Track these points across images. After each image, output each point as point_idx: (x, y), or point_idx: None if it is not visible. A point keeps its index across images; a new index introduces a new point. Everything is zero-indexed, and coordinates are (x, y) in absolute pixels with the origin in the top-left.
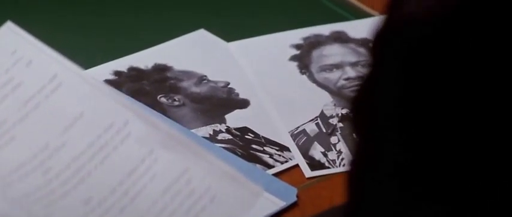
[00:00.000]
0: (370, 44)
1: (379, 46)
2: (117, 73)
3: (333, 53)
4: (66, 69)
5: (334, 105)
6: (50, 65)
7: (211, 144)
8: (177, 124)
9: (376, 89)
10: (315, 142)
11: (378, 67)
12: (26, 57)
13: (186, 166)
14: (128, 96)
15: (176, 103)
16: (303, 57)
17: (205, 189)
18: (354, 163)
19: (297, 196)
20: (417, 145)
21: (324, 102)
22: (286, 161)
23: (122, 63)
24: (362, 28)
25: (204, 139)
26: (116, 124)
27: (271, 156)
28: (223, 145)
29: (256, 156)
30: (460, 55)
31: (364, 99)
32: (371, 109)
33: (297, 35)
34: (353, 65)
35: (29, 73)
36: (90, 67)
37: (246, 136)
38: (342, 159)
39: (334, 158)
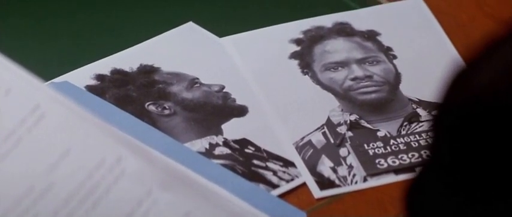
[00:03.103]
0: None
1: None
2: (100, 77)
3: (337, 48)
4: (50, 98)
5: (342, 110)
6: (31, 93)
7: (209, 161)
8: (170, 139)
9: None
10: (323, 155)
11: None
12: (3, 84)
13: (188, 209)
14: (117, 109)
15: (166, 111)
16: (305, 54)
17: None
18: None
19: None
20: None
21: (330, 107)
22: (292, 179)
23: (104, 65)
24: (368, 18)
25: (200, 155)
26: (107, 160)
27: (275, 173)
28: (221, 161)
29: (258, 173)
30: None
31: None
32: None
33: (297, 27)
34: (359, 62)
35: (8, 103)
36: (69, 71)
37: (246, 150)
38: (354, 175)
39: (344, 174)
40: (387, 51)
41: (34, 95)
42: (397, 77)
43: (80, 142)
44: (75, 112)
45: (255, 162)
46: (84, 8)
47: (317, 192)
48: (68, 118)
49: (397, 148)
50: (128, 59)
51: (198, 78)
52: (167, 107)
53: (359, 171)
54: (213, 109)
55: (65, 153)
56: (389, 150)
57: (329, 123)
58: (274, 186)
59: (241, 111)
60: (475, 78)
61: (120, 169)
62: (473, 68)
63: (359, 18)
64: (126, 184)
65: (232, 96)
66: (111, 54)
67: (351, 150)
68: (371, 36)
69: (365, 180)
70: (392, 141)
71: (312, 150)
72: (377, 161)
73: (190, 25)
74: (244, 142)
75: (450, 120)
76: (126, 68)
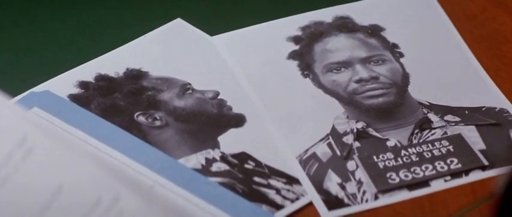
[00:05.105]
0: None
1: None
2: (83, 84)
3: (339, 46)
4: (38, 129)
5: (347, 117)
6: (17, 124)
7: (206, 180)
8: (163, 155)
9: None
10: (329, 170)
11: None
12: None
13: None
14: (104, 122)
15: (157, 123)
16: (304, 54)
17: None
18: None
19: None
20: None
21: (335, 114)
22: (297, 198)
23: (88, 70)
24: (370, 11)
25: (197, 173)
26: (104, 199)
27: (278, 191)
28: (219, 179)
29: (260, 192)
30: None
31: None
32: None
33: (293, 23)
34: (364, 61)
35: None
36: (50, 78)
37: (246, 166)
38: (364, 192)
39: (354, 191)
40: (393, 48)
41: (20, 126)
42: (405, 77)
43: (73, 179)
44: (66, 143)
45: (256, 179)
46: (63, 8)
47: (325, 213)
48: (58, 152)
49: (409, 160)
50: (113, 63)
51: (189, 83)
52: (158, 118)
53: (369, 187)
54: (208, 119)
55: (56, 192)
56: (400, 162)
57: (334, 133)
58: (278, 207)
59: (239, 120)
60: None
61: (118, 209)
62: None
63: (361, 12)
64: None
65: (228, 104)
66: (95, 57)
67: (359, 163)
68: (375, 31)
69: (376, 197)
70: (403, 152)
71: (317, 164)
72: (388, 175)
73: (179, 22)
74: (243, 157)
75: None
76: (112, 73)
